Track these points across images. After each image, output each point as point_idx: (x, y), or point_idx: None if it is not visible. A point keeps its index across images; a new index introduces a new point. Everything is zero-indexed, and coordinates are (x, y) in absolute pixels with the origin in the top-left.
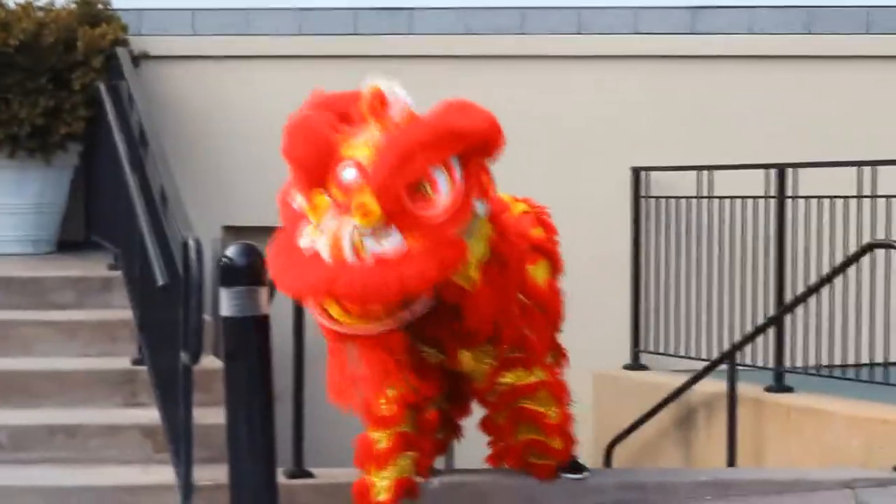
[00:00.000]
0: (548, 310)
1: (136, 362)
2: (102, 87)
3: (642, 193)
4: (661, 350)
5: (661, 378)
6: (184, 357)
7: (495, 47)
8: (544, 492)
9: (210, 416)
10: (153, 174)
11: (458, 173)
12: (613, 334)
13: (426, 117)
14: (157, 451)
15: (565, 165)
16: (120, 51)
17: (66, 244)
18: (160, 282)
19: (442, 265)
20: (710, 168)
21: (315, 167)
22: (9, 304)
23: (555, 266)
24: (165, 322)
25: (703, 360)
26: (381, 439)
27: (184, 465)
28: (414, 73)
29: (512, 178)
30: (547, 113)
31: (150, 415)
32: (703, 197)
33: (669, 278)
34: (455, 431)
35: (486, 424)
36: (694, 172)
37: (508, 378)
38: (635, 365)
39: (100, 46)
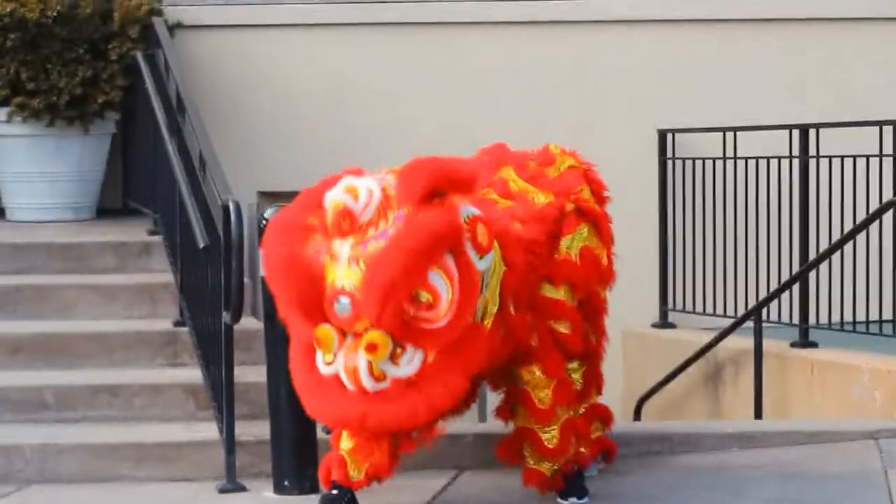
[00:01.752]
0: (576, 281)
1: (178, 324)
2: (140, 57)
3: (668, 155)
4: (689, 308)
5: (689, 336)
6: (225, 316)
7: (520, 13)
8: None
9: (250, 374)
10: (191, 140)
11: (451, 262)
12: (641, 293)
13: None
14: (199, 408)
15: (593, 128)
16: (156, 21)
17: (105, 211)
18: (201, 244)
19: (465, 369)
20: (735, 129)
21: (310, 303)
22: (51, 268)
23: (598, 229)
24: (205, 284)
25: (730, 317)
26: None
27: (226, 421)
28: (434, 38)
29: (541, 141)
30: (574, 77)
31: (192, 374)
32: (728, 158)
33: (696, 238)
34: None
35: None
36: (719, 133)
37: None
38: (663, 323)
39: (136, 17)
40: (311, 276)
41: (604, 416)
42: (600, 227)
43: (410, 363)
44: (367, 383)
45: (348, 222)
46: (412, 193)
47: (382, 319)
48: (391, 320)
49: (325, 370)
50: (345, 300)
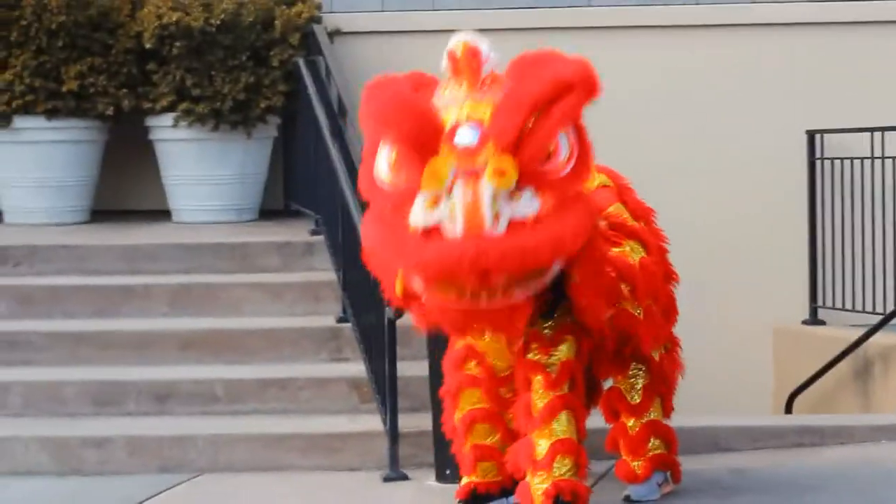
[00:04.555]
0: (638, 289)
1: (340, 320)
2: (301, 63)
3: (817, 155)
4: (839, 306)
5: (839, 332)
6: (388, 312)
7: (673, 18)
8: (727, 435)
9: (411, 368)
10: (353, 143)
11: (571, 130)
12: (792, 291)
13: (533, 71)
14: (362, 401)
15: (743, 129)
16: (317, 28)
17: (267, 212)
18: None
19: (588, 219)
20: (884, 129)
21: (425, 134)
22: (218, 268)
23: (645, 246)
24: (368, 282)
25: (879, 314)
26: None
27: (389, 413)
28: (592, 44)
29: (693, 142)
30: (725, 79)
31: (355, 368)
32: (876, 157)
33: (845, 236)
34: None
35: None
36: (867, 133)
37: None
38: (813, 320)
39: (296, 24)
40: (424, 108)
41: (666, 435)
42: (647, 246)
43: (530, 204)
44: (488, 215)
45: (475, 62)
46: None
47: (517, 143)
48: (526, 152)
49: (417, 220)
50: (471, 128)
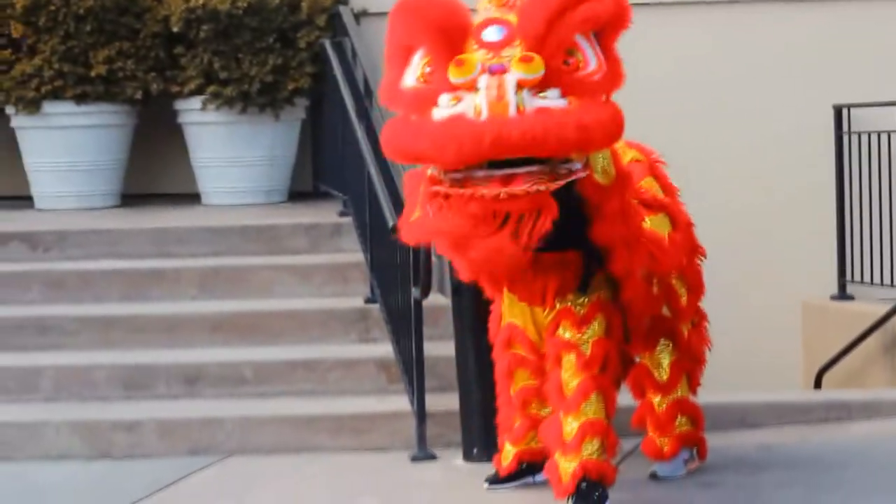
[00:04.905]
0: (664, 264)
1: (368, 301)
2: (328, 44)
3: (844, 129)
4: (868, 281)
5: (867, 308)
6: (414, 292)
7: None
8: (753, 411)
9: (438, 348)
10: (379, 123)
11: (597, 44)
12: (820, 265)
13: None
14: (390, 382)
15: (769, 104)
16: (343, 9)
17: (296, 194)
18: (391, 223)
19: (616, 121)
20: None
21: (453, 28)
22: (246, 250)
23: (673, 220)
24: (395, 262)
25: None
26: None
27: (416, 393)
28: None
29: (719, 118)
30: (750, 54)
31: (383, 349)
32: None
33: (874, 211)
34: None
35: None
36: (895, 107)
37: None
38: (842, 295)
39: (322, 6)
40: (452, 4)
41: (692, 413)
42: (675, 221)
43: (552, 99)
44: (512, 105)
45: None
46: None
47: (542, 42)
48: (549, 46)
49: (441, 113)
50: (498, 26)
